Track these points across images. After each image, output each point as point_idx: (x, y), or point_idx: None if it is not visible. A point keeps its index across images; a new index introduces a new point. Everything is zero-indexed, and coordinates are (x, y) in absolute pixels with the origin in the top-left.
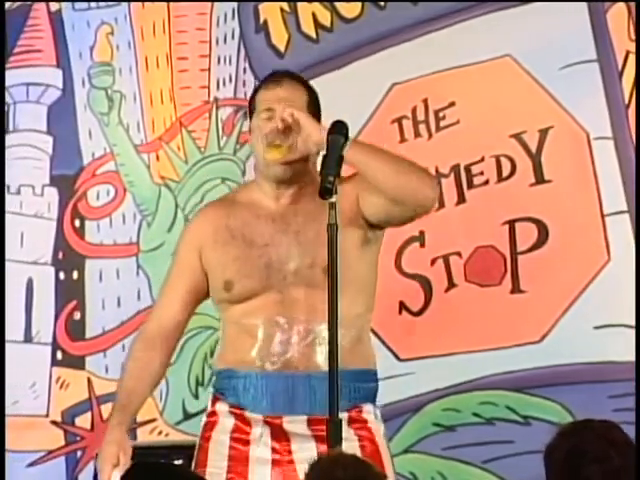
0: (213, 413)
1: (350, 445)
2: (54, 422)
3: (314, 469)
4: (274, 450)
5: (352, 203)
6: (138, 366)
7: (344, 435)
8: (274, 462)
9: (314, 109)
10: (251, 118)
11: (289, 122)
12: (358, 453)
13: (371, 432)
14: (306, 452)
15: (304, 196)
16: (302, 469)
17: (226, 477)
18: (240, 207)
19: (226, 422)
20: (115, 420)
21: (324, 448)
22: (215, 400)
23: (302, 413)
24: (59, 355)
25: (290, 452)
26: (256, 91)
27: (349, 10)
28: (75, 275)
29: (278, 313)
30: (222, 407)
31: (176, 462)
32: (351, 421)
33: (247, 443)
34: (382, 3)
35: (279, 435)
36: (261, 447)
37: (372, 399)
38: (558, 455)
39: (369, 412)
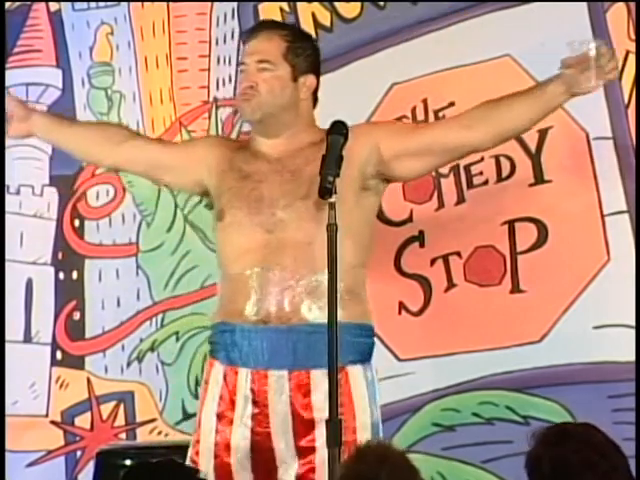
0: (206, 382)
1: None
2: (54, 422)
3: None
4: (254, 402)
5: (362, 148)
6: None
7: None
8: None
9: (293, 55)
10: None
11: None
12: None
13: (351, 399)
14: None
15: (300, 141)
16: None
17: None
18: (244, 147)
19: (214, 405)
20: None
21: (298, 396)
22: (210, 365)
23: (285, 367)
24: (59, 355)
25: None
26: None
27: (349, 10)
28: (75, 275)
29: (265, 260)
30: (215, 373)
31: None
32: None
33: (230, 423)
34: (382, 3)
35: (261, 388)
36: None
37: (366, 356)
38: (544, 466)
39: (354, 374)
